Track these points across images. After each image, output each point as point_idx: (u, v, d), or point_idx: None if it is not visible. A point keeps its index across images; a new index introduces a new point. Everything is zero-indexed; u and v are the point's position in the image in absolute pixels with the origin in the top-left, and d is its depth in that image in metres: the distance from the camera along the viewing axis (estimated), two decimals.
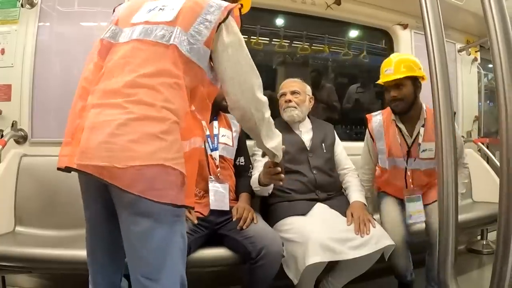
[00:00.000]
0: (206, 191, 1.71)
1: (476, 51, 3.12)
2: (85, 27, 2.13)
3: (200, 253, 1.59)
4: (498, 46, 0.68)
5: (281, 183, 1.45)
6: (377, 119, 1.99)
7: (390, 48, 2.93)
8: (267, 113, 1.17)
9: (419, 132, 1.85)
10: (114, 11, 1.21)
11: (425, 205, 1.89)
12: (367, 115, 2.05)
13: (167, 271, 0.99)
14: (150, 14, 1.09)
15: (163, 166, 0.92)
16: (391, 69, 1.80)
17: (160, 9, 1.08)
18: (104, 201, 1.03)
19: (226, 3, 1.08)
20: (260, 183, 1.71)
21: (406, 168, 1.89)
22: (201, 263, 1.59)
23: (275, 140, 1.23)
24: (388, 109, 1.95)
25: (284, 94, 2.04)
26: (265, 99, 1.15)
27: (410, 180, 1.89)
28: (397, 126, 1.89)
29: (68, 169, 0.96)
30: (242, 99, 1.10)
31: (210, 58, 1.08)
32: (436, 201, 1.92)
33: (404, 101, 1.81)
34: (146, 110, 0.95)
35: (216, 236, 1.66)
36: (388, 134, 1.91)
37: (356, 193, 1.90)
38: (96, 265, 1.12)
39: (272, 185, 1.78)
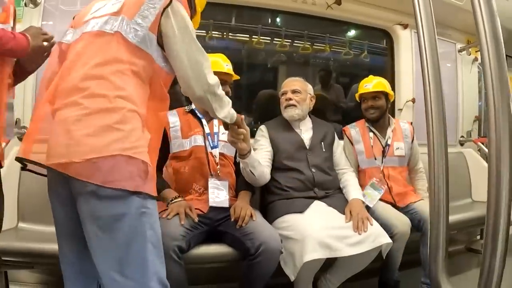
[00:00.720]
0: (206, 188, 1.73)
1: (476, 51, 3.12)
2: None
3: (199, 249, 1.61)
4: (487, 45, 0.69)
5: (243, 143, 1.54)
6: (353, 128, 2.29)
7: (390, 48, 2.94)
8: (219, 91, 1.20)
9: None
10: (74, 18, 1.25)
11: (410, 204, 2.09)
12: (344, 128, 2.34)
13: (136, 265, 0.96)
14: (99, 10, 1.13)
15: (120, 156, 0.93)
16: (370, 85, 2.21)
17: (112, 4, 1.12)
18: (69, 200, 1.02)
19: None
20: (239, 156, 1.70)
21: (381, 165, 2.16)
22: (201, 259, 1.61)
23: (225, 109, 1.28)
24: (361, 121, 2.31)
25: (285, 93, 2.06)
26: (216, 79, 1.18)
27: (387, 176, 2.15)
28: (371, 131, 2.23)
29: (20, 161, 1.04)
30: (197, 88, 1.13)
31: (160, 46, 1.09)
32: (421, 200, 2.11)
33: (379, 110, 2.20)
34: (98, 102, 0.96)
35: (215, 233, 1.68)
36: (365, 138, 2.23)
37: (354, 191, 1.93)
38: (68, 266, 1.10)
39: (259, 164, 1.77)
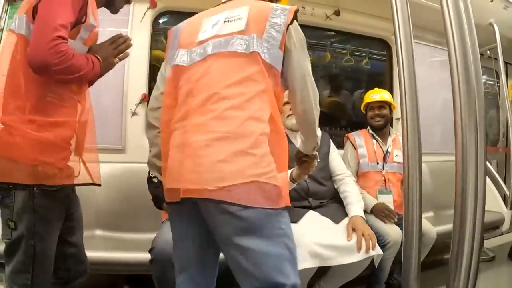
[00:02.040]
0: None
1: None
2: None
3: None
4: (454, 49, 0.71)
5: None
6: (357, 136, 2.40)
7: (389, 57, 2.96)
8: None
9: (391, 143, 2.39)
10: (168, 35, 1.23)
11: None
12: (347, 134, 2.45)
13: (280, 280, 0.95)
14: (216, 28, 1.08)
15: (255, 183, 0.91)
16: (377, 95, 2.36)
17: (225, 21, 1.08)
18: (200, 228, 1.04)
19: (288, 6, 1.08)
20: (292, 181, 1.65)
21: (383, 170, 2.27)
22: None
23: (318, 130, 1.25)
24: (363, 130, 2.44)
25: (288, 103, 2.09)
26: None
27: (387, 180, 2.25)
28: (374, 138, 2.35)
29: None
30: (308, 101, 1.10)
31: (282, 61, 1.07)
32: None
33: (384, 119, 2.34)
34: (230, 125, 0.94)
35: None
36: (368, 144, 2.36)
37: (355, 207, 1.89)
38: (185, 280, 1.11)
39: None
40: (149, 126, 1.23)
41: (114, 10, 1.33)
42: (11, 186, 1.10)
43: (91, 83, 1.29)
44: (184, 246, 1.11)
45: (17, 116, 1.09)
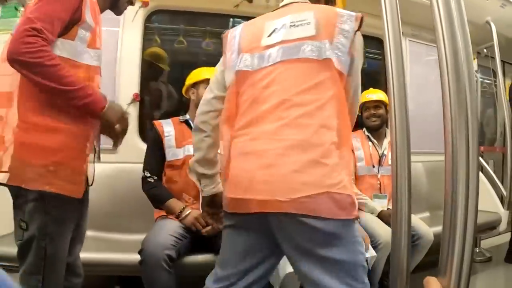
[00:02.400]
0: (196, 198, 1.76)
1: (473, 59, 3.11)
2: None
3: (190, 258, 1.66)
4: (444, 43, 0.69)
5: None
6: (353, 136, 2.32)
7: (384, 56, 2.93)
8: None
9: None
10: (223, 39, 1.20)
11: None
12: None
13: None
14: (281, 33, 1.06)
15: (328, 194, 0.90)
16: (373, 95, 2.36)
17: (291, 26, 1.05)
18: (262, 240, 1.02)
19: (353, 13, 1.07)
20: None
21: (378, 173, 2.27)
22: (190, 267, 1.64)
23: None
24: (359, 131, 2.41)
25: None
26: None
27: (382, 184, 2.25)
28: (370, 140, 2.33)
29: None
30: (358, 102, 1.14)
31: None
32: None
33: (380, 119, 2.33)
34: (303, 134, 0.93)
35: (205, 241, 1.70)
36: (364, 146, 2.33)
37: None
38: None
39: None
40: (196, 129, 1.20)
41: (118, 12, 1.32)
42: (23, 187, 1.09)
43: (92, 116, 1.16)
44: (239, 256, 1.07)
45: (26, 118, 1.08)
